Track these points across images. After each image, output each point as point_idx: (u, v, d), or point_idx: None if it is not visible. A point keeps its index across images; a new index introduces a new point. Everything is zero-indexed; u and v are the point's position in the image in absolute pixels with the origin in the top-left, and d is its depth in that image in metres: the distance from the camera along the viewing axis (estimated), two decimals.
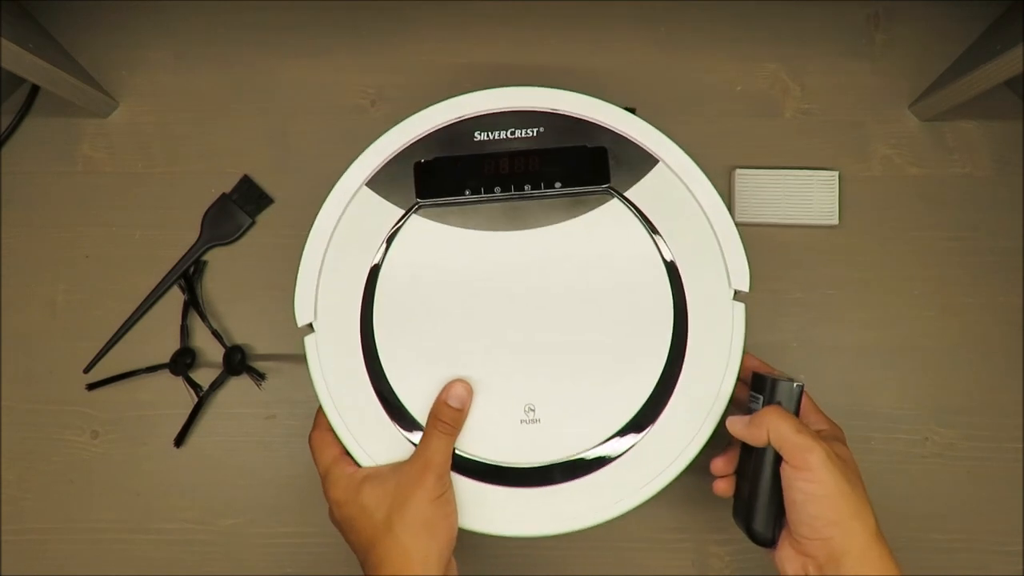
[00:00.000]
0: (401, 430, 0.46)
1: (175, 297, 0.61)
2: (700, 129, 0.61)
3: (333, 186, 0.50)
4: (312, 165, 0.62)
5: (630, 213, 0.48)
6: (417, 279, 0.48)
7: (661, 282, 0.48)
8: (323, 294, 0.48)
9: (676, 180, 0.49)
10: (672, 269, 0.48)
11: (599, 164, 0.49)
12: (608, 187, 0.49)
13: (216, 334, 0.59)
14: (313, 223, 0.49)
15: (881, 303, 0.60)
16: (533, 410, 0.46)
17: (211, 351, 0.60)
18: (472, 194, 0.49)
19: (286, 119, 0.62)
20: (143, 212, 0.62)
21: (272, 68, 0.63)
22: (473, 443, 0.46)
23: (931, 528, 0.58)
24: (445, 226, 0.49)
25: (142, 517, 0.59)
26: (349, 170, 0.50)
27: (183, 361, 0.59)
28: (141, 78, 0.63)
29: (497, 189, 0.49)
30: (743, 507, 0.45)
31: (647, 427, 0.46)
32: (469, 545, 0.58)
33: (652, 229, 0.48)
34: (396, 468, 0.44)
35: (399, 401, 0.47)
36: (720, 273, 0.48)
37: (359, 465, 0.46)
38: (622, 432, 0.46)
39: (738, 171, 0.61)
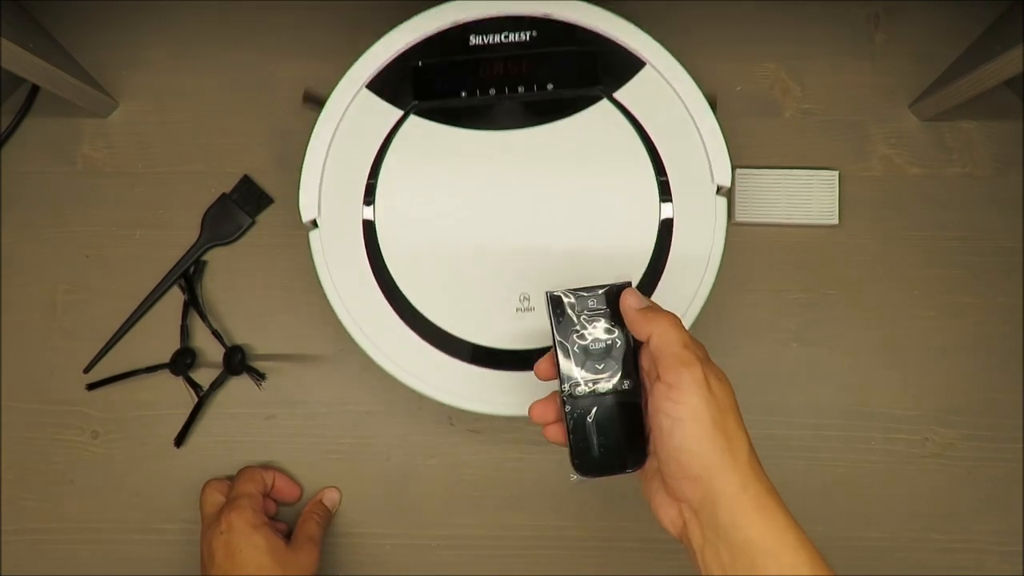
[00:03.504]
0: (402, 320, 0.50)
1: (175, 297, 0.61)
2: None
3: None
4: None
5: (619, 113, 0.51)
6: (415, 177, 0.51)
7: (647, 178, 0.50)
8: (326, 191, 0.51)
9: (662, 81, 0.51)
10: (658, 166, 0.50)
11: (589, 67, 0.51)
12: (598, 88, 0.51)
13: (216, 334, 0.59)
14: (315, 124, 0.51)
15: (881, 303, 0.60)
16: (528, 299, 0.49)
17: (211, 351, 0.60)
18: (468, 96, 0.51)
19: (286, 119, 0.62)
20: (143, 212, 0.62)
21: (272, 68, 0.63)
22: (472, 330, 0.49)
23: (931, 528, 0.58)
24: (442, 126, 0.51)
25: (142, 517, 0.59)
26: (349, 72, 0.52)
27: (183, 361, 0.59)
28: (141, 78, 0.63)
29: (492, 91, 0.51)
30: (581, 441, 0.41)
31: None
32: (469, 545, 0.58)
33: (639, 128, 0.51)
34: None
35: (400, 292, 0.50)
36: (703, 169, 0.50)
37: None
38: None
39: (738, 171, 0.61)
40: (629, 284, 0.41)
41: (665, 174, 0.50)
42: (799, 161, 0.62)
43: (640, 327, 0.39)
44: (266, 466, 0.58)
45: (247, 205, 0.61)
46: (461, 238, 0.50)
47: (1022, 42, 0.50)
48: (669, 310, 0.39)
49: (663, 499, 0.39)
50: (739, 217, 0.60)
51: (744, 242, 0.61)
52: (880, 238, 0.61)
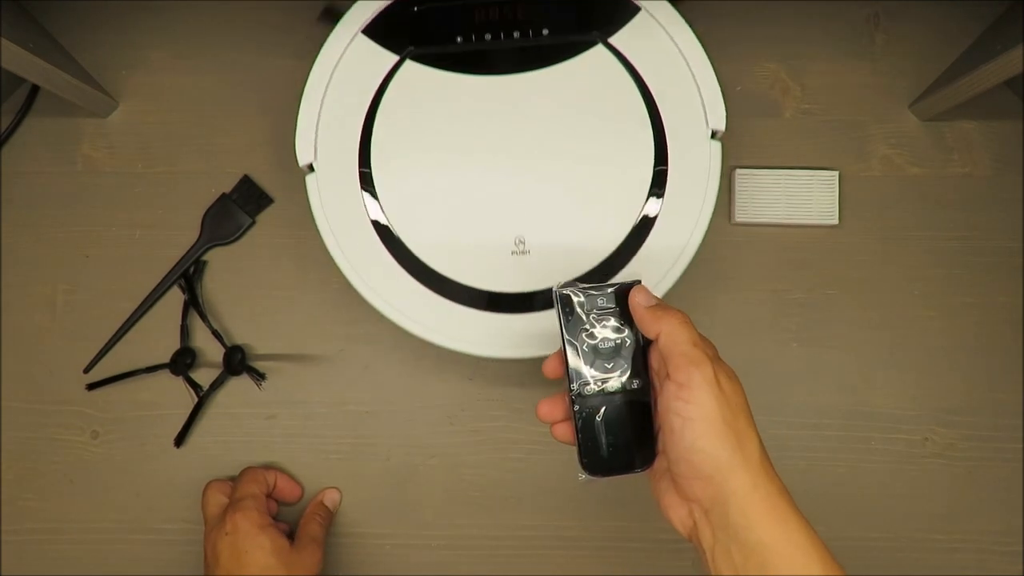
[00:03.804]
0: (397, 262, 0.50)
1: (175, 297, 0.61)
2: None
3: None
4: None
5: (614, 58, 0.51)
6: (411, 121, 0.51)
7: (642, 122, 0.51)
8: (322, 136, 0.51)
9: (657, 26, 0.52)
10: (653, 110, 0.51)
11: (584, 12, 0.52)
12: (593, 34, 0.52)
13: (216, 334, 0.59)
14: (311, 67, 0.52)
15: (881, 303, 0.60)
16: (523, 242, 0.50)
17: (211, 351, 0.60)
18: (464, 41, 0.52)
19: (286, 119, 0.62)
20: (143, 212, 0.62)
21: (272, 68, 0.62)
22: (468, 273, 0.50)
23: (931, 528, 0.58)
24: (438, 71, 0.51)
25: (142, 517, 0.59)
26: (346, 17, 0.52)
27: (183, 361, 0.59)
28: (141, 78, 0.63)
29: (487, 36, 0.52)
30: (590, 440, 0.41)
31: (631, 257, 0.49)
32: (469, 545, 0.58)
33: (634, 73, 0.51)
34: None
35: (395, 234, 0.50)
36: (698, 114, 0.51)
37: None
38: (607, 262, 0.50)
39: (738, 171, 0.61)
40: (639, 282, 0.41)
41: (660, 119, 0.51)
42: (799, 161, 0.62)
43: (649, 325, 0.39)
44: (268, 466, 0.58)
45: (247, 205, 0.61)
46: (457, 182, 0.51)
47: (1022, 42, 0.50)
48: (678, 308, 0.39)
49: (673, 499, 0.39)
50: (739, 217, 0.60)
51: (744, 242, 0.61)
52: (880, 238, 0.61)
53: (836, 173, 0.61)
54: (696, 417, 0.36)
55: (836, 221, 0.60)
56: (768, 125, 0.62)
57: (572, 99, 0.51)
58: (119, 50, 0.63)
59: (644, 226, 0.50)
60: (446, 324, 0.50)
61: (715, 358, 0.38)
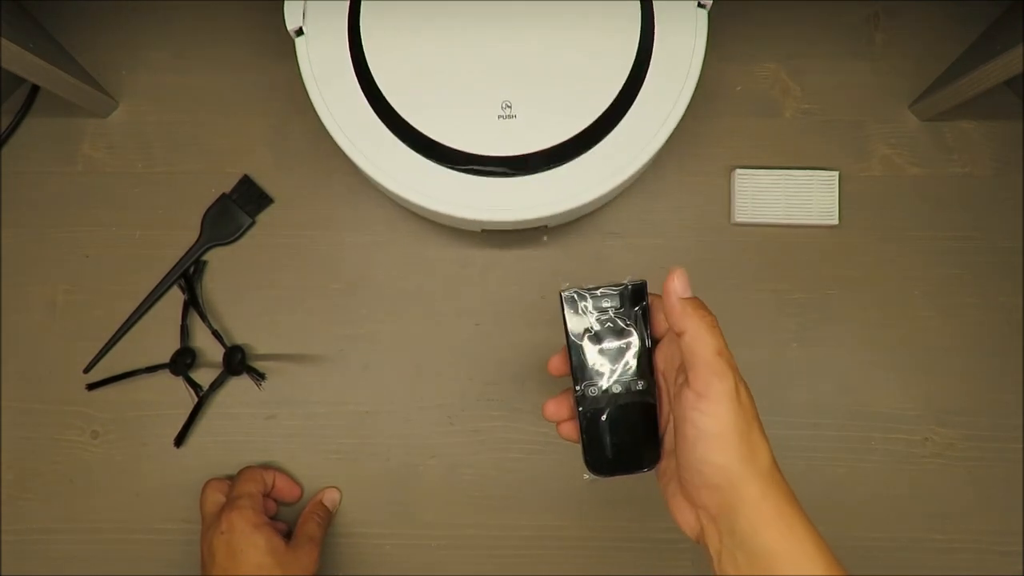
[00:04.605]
0: (387, 127, 0.50)
1: (175, 297, 0.61)
2: (700, 129, 0.61)
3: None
4: (312, 165, 0.62)
5: None
6: None
7: None
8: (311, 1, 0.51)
9: None
10: None
11: None
12: None
13: (216, 334, 0.59)
14: None
15: (881, 303, 0.60)
16: (509, 106, 0.50)
17: (211, 351, 0.60)
18: None
19: (286, 119, 0.62)
20: (143, 212, 0.62)
21: (272, 68, 0.62)
22: (454, 136, 0.50)
23: (931, 528, 0.58)
24: None
25: (142, 517, 0.59)
26: None
27: (183, 361, 0.59)
28: (141, 78, 0.63)
29: None
30: (595, 440, 0.41)
31: (616, 122, 0.50)
32: (469, 545, 0.58)
33: None
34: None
35: (385, 98, 0.50)
36: None
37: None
38: (594, 125, 0.50)
39: (738, 171, 0.61)
40: (644, 283, 0.41)
41: None
42: (799, 161, 0.62)
43: (677, 318, 0.37)
44: (266, 466, 0.58)
45: (247, 205, 0.61)
46: (444, 45, 0.51)
47: (1022, 42, 0.50)
48: (710, 311, 0.37)
49: (681, 503, 0.39)
50: (739, 217, 0.60)
51: (744, 242, 0.61)
52: (880, 238, 0.61)
53: (836, 173, 0.61)
54: (713, 432, 0.35)
55: (836, 221, 0.60)
56: (768, 125, 0.62)
57: None
58: (119, 50, 0.63)
59: (631, 91, 0.50)
60: (432, 186, 0.51)
61: (736, 368, 0.37)
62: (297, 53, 0.51)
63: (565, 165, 0.50)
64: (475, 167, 0.50)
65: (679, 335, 0.37)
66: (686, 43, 0.51)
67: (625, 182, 0.51)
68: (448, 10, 0.51)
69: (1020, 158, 0.61)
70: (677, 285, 0.37)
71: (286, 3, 0.51)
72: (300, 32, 0.52)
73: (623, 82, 0.50)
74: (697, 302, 0.38)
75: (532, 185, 0.50)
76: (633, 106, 0.50)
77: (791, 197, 0.60)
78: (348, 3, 0.52)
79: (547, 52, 0.51)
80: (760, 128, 0.62)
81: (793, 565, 0.34)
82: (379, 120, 0.51)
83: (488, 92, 0.51)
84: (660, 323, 0.40)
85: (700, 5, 0.51)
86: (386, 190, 0.52)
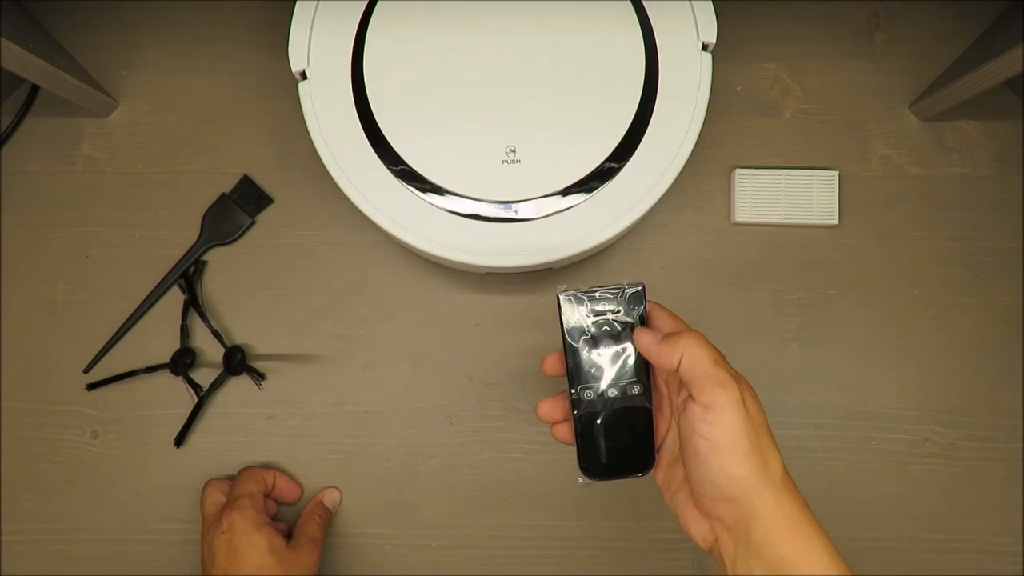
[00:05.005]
0: (388, 169, 0.50)
1: (175, 297, 0.61)
2: (700, 129, 0.61)
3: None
4: (312, 165, 0.62)
5: None
6: (405, 31, 0.51)
7: (634, 34, 0.51)
8: (315, 42, 0.52)
9: None
10: (644, 22, 0.51)
11: None
12: None
13: (216, 334, 0.59)
14: None
15: (881, 303, 0.60)
16: (514, 151, 0.50)
17: (211, 351, 0.60)
18: None
19: (286, 119, 0.62)
20: (143, 212, 0.62)
21: (272, 68, 0.62)
22: (458, 182, 0.50)
23: (931, 528, 0.58)
24: None
25: (142, 517, 0.59)
26: None
27: (183, 361, 0.59)
28: (141, 78, 0.63)
29: None
30: (589, 444, 0.41)
31: (619, 168, 0.50)
32: (469, 545, 0.58)
33: None
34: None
35: (387, 141, 0.50)
36: (689, 26, 0.51)
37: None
38: (596, 172, 0.50)
39: (738, 171, 0.61)
40: (642, 285, 0.40)
41: (652, 31, 0.51)
42: (799, 161, 0.62)
43: (666, 357, 0.37)
44: (267, 466, 0.58)
45: (247, 205, 0.61)
46: (448, 89, 0.51)
47: (1022, 42, 0.50)
48: (690, 328, 0.38)
49: (693, 515, 0.39)
50: (739, 217, 0.60)
51: (744, 242, 0.61)
52: (880, 238, 0.61)
53: (836, 173, 0.61)
54: (724, 442, 0.35)
55: (836, 221, 0.60)
56: (768, 125, 0.62)
57: (564, 11, 0.51)
58: (119, 50, 0.63)
59: (635, 135, 0.50)
60: (434, 230, 0.50)
61: (738, 376, 0.37)
62: (300, 97, 0.51)
63: (569, 210, 0.50)
64: (479, 214, 0.50)
65: (677, 368, 0.37)
66: (690, 87, 0.51)
67: (628, 228, 0.51)
68: (451, 56, 0.51)
69: (1020, 158, 0.61)
70: (647, 339, 0.38)
71: (290, 46, 0.51)
72: (304, 76, 0.51)
73: (626, 128, 0.50)
74: (674, 331, 0.38)
75: (535, 230, 0.50)
76: (636, 153, 0.50)
77: (791, 197, 0.60)
78: (351, 48, 0.51)
79: (551, 98, 0.51)
80: (760, 128, 0.62)
81: (808, 573, 0.35)
82: (380, 162, 0.50)
83: (492, 137, 0.50)
84: (658, 326, 0.40)
85: (704, 48, 0.51)
86: (394, 238, 0.51)
